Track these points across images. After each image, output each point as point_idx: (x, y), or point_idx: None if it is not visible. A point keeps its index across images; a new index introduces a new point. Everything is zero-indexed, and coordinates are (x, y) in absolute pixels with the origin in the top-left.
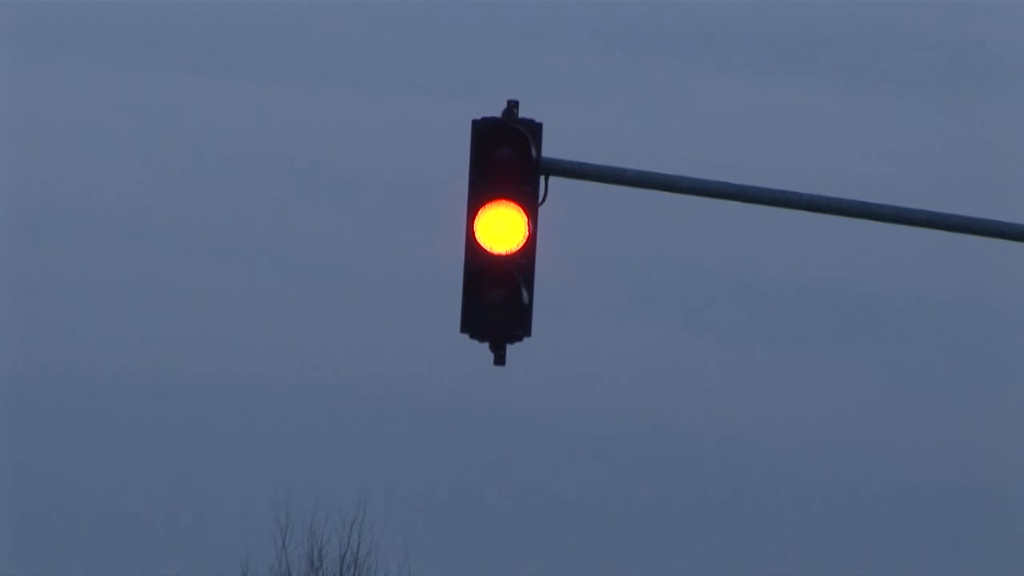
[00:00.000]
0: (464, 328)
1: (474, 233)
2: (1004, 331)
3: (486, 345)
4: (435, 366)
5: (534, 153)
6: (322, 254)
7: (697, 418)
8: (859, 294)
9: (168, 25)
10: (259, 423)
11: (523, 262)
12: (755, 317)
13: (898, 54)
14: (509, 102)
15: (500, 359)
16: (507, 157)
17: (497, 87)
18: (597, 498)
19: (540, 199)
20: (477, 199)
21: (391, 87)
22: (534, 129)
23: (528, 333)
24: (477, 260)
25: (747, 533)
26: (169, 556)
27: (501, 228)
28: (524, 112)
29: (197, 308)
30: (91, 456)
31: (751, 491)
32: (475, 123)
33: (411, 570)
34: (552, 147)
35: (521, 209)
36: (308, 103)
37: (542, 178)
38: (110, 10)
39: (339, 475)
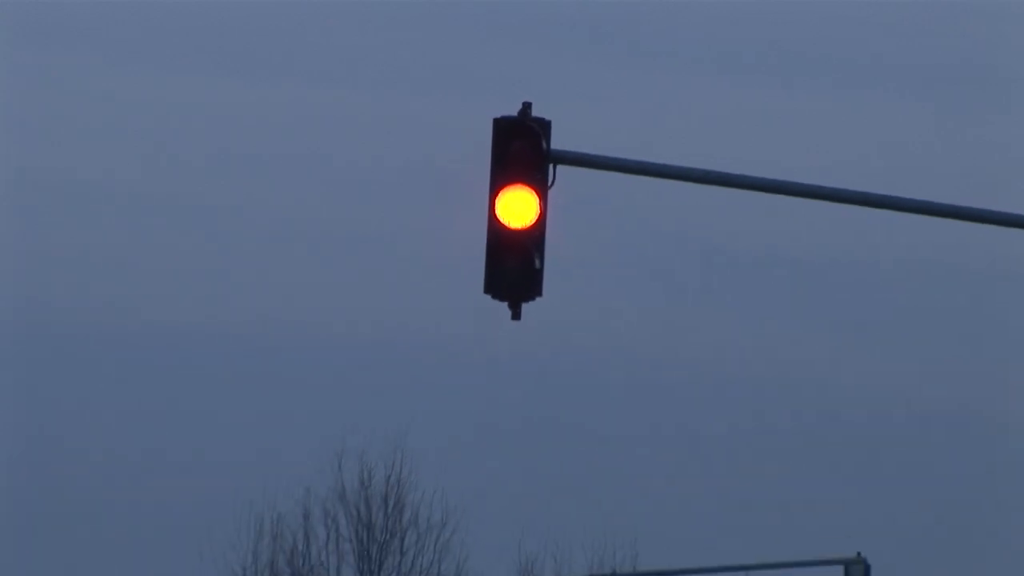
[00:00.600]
0: (487, 290)
1: (495, 211)
2: (921, 290)
3: (505, 304)
4: (462, 321)
5: (544, 145)
6: (370, 234)
7: (675, 360)
8: (803, 260)
9: (197, 28)
10: (319, 370)
11: (535, 235)
12: (720, 278)
13: (894, 55)
14: (524, 103)
15: (516, 315)
16: (522, 148)
17: (508, 89)
18: (592, 422)
19: (549, 183)
20: (497, 183)
21: (409, 88)
22: (545, 125)
23: (540, 293)
24: (497, 234)
25: (717, 452)
26: (245, 479)
27: (517, 207)
28: (535, 111)
29: (267, 280)
30: (186, 398)
31: (718, 420)
32: (496, 121)
33: (444, 486)
34: (559, 141)
35: (534, 192)
36: (339, 104)
37: (551, 166)
38: (146, 10)
39: (385, 411)
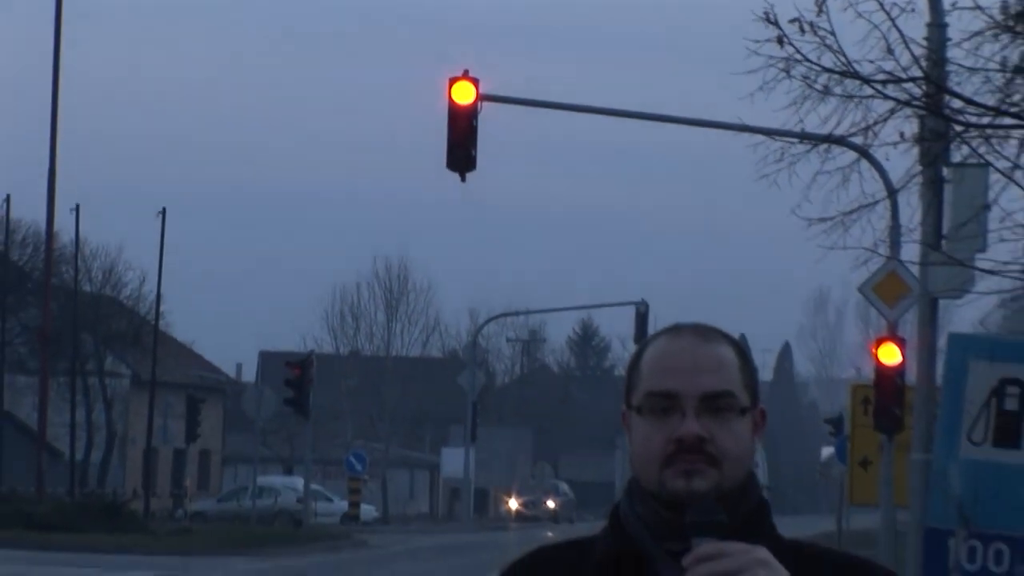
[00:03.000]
0: (448, 166)
1: (451, 96)
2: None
3: (457, 174)
4: (437, 181)
5: (478, 89)
6: (374, 136)
7: (550, 195)
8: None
9: None
10: (359, 207)
11: (473, 109)
12: (594, 157)
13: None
14: (464, 70)
15: (463, 179)
16: (466, 90)
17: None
18: (502, 219)
19: (479, 110)
20: (456, 104)
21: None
22: (476, 80)
23: (475, 168)
24: (458, 117)
25: (575, 244)
26: (326, 268)
27: (466, 106)
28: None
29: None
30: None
31: (573, 237)
32: (451, 80)
33: (427, 267)
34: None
35: (472, 84)
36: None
37: (480, 103)
38: None
39: (398, 229)
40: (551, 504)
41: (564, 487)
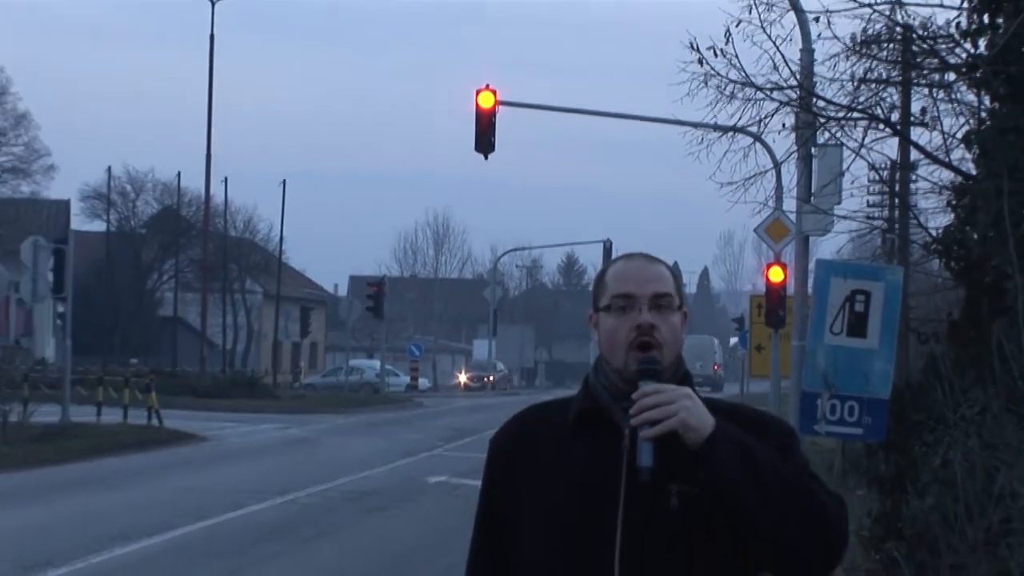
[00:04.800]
0: (476, 149)
1: (477, 102)
2: None
3: (481, 155)
4: (469, 159)
5: (496, 97)
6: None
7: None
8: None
9: None
10: (417, 168)
11: (493, 111)
12: (590, 150)
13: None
14: (487, 84)
15: (486, 157)
16: (488, 98)
17: (477, 70)
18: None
19: (497, 111)
20: (480, 107)
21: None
22: (495, 91)
23: (493, 150)
24: (479, 112)
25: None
26: (395, 210)
27: (487, 100)
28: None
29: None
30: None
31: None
32: (477, 91)
33: (463, 219)
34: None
35: (493, 94)
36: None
37: (498, 106)
38: None
39: (438, 194)
40: (490, 379)
41: (501, 366)
